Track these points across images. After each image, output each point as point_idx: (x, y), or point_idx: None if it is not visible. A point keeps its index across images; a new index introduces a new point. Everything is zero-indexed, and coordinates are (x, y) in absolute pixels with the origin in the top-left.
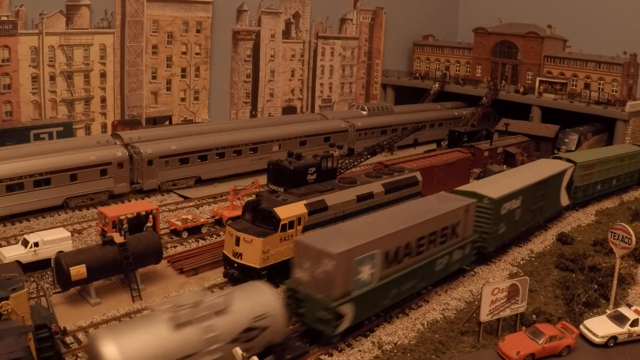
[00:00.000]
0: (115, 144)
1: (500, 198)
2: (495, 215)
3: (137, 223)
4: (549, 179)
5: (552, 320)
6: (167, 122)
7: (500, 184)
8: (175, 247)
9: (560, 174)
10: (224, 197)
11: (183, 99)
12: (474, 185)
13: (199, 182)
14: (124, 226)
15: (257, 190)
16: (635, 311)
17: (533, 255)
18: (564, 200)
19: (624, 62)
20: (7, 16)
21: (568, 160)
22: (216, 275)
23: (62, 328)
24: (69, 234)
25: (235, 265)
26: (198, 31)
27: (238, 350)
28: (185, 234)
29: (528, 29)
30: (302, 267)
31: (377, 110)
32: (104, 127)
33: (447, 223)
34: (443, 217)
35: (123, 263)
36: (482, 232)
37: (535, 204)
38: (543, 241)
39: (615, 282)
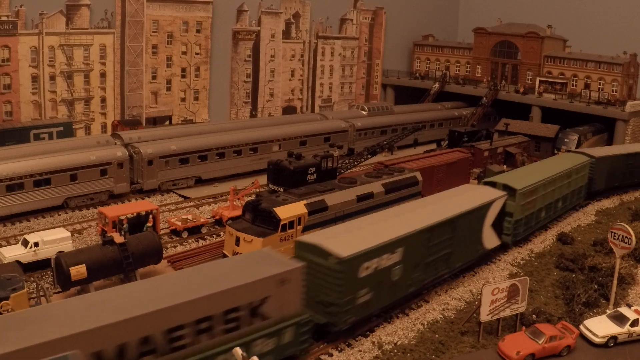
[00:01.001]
0: (115, 144)
1: (355, 256)
2: (348, 280)
3: (137, 223)
4: (461, 218)
5: (552, 320)
6: (167, 122)
7: (366, 232)
8: (175, 247)
9: (482, 208)
10: (224, 197)
11: (183, 99)
12: (323, 235)
13: (199, 182)
14: (124, 226)
15: (257, 190)
16: (635, 311)
17: (533, 255)
18: (490, 241)
19: (624, 62)
20: (7, 16)
21: (505, 186)
22: None
23: None
24: (69, 234)
25: None
26: (198, 31)
27: (238, 350)
28: (185, 234)
29: (528, 29)
30: None
31: (377, 110)
32: (104, 127)
33: (238, 302)
34: (226, 295)
35: (123, 263)
36: (330, 303)
37: (434, 254)
38: (543, 241)
39: (615, 282)
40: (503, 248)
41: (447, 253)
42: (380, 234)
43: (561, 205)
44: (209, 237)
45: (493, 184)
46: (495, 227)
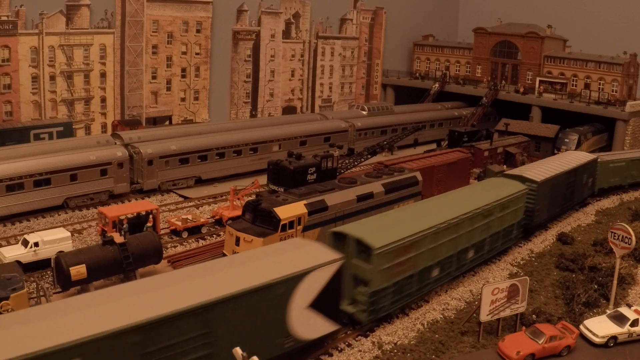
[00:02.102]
0: (115, 144)
1: None
2: None
3: (137, 223)
4: (224, 306)
5: (552, 320)
6: (167, 122)
7: (15, 334)
8: (175, 247)
9: (279, 286)
10: (224, 197)
11: (183, 99)
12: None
13: (199, 182)
14: (124, 226)
15: (257, 190)
16: (635, 311)
17: (533, 255)
18: (311, 328)
19: (624, 62)
20: (7, 16)
21: (359, 242)
22: None
23: None
24: (69, 234)
25: None
26: (198, 31)
27: (238, 350)
28: (185, 234)
29: (528, 29)
30: None
31: (377, 110)
32: (104, 127)
33: None
34: None
35: (123, 263)
36: None
37: None
38: (543, 241)
39: (615, 282)
40: (329, 337)
41: (199, 357)
42: (36, 338)
43: (473, 255)
44: (209, 237)
45: (343, 238)
46: (322, 306)
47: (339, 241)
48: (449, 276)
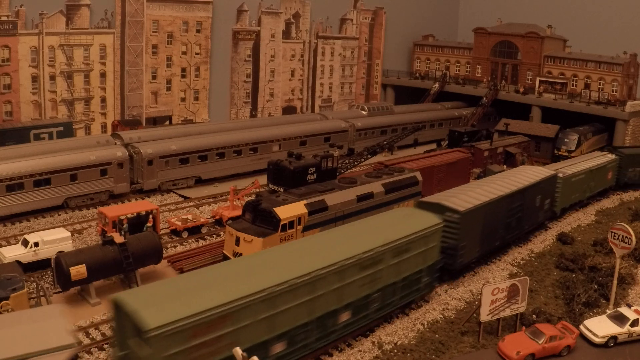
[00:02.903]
0: (115, 144)
1: None
2: None
3: (137, 223)
4: None
5: (552, 320)
6: (167, 122)
7: None
8: (175, 247)
9: None
10: (224, 197)
11: (183, 99)
12: None
13: (199, 182)
14: (124, 226)
15: (257, 190)
16: (635, 311)
17: (533, 255)
18: None
19: (624, 62)
20: (7, 16)
21: (135, 320)
22: None
23: None
24: (69, 234)
25: None
26: (198, 31)
27: (238, 350)
28: (185, 234)
29: (528, 29)
30: None
31: (377, 110)
32: (104, 127)
33: None
34: None
35: (123, 263)
36: None
37: None
38: (543, 241)
39: (615, 282)
40: None
41: None
42: None
43: (350, 318)
44: (209, 237)
45: (120, 313)
46: None
47: (120, 312)
48: (307, 349)
